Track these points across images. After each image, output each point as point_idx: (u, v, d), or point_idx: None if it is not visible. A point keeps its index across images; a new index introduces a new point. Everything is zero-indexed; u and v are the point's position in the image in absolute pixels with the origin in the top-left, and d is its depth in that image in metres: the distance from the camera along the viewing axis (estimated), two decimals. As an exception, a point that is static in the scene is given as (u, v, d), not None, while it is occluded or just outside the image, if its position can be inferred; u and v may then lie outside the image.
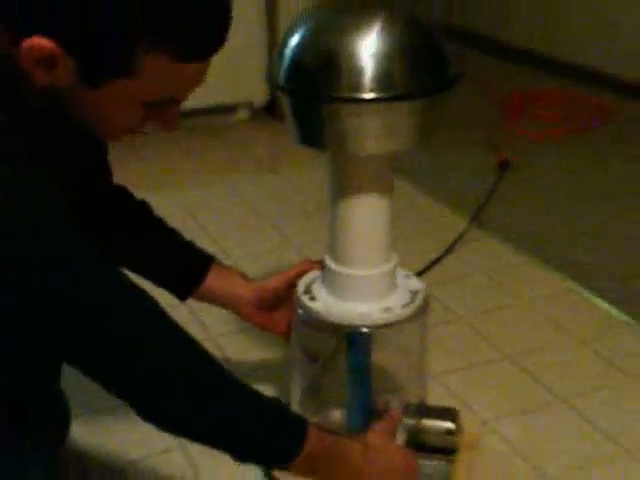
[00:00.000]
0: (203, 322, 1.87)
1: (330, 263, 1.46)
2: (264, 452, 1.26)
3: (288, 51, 1.31)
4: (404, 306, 1.45)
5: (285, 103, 1.34)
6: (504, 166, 2.74)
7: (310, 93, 1.28)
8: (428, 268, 2.17)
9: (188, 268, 1.58)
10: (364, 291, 1.45)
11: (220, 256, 1.60)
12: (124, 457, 1.59)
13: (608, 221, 2.46)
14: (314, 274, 1.54)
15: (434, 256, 2.23)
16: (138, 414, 1.18)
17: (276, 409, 1.26)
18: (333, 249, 1.45)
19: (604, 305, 2.02)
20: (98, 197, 1.48)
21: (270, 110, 3.28)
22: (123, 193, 1.58)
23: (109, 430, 1.64)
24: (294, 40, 1.31)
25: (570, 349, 1.87)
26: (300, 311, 1.49)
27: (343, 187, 1.39)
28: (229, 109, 3.29)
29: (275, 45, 2.61)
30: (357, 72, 1.23)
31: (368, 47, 1.24)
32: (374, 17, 1.27)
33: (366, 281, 1.44)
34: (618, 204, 2.57)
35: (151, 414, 1.20)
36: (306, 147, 1.38)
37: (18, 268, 1.05)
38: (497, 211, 2.49)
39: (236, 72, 3.13)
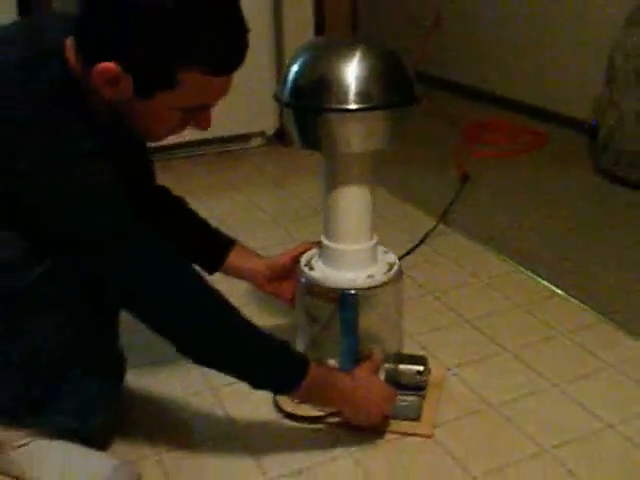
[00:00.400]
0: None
1: (325, 241, 1.51)
2: (275, 381, 1.31)
3: (291, 75, 1.36)
4: (383, 274, 1.50)
5: (289, 116, 1.39)
6: (465, 178, 2.77)
7: (309, 106, 1.33)
8: (406, 254, 2.19)
9: (215, 248, 1.63)
10: (352, 262, 1.49)
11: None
12: (164, 396, 1.63)
13: (546, 218, 2.50)
14: (313, 252, 1.58)
15: (410, 246, 2.27)
16: (176, 350, 1.25)
17: (285, 348, 1.31)
18: (327, 230, 1.50)
19: (543, 282, 2.06)
20: (146, 192, 1.54)
21: (279, 138, 3.29)
22: (165, 190, 1.64)
23: (154, 377, 1.68)
24: (295, 67, 1.36)
25: (516, 314, 1.91)
26: (303, 279, 1.53)
27: (334, 179, 1.44)
28: (246, 137, 3.29)
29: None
30: (344, 89, 1.29)
31: (352, 71, 1.30)
32: (357, 48, 1.32)
33: (353, 254, 1.49)
34: (554, 205, 2.61)
35: (186, 353, 1.26)
36: (305, 149, 1.42)
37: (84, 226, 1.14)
38: (460, 212, 2.53)
39: (251, 108, 3.15)
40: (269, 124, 3.28)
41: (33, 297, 1.20)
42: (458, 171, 2.85)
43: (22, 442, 1.35)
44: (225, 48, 1.12)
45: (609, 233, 2.39)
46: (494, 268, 2.17)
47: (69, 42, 1.16)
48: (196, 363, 1.29)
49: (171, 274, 1.21)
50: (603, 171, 2.82)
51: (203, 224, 1.64)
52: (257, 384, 1.31)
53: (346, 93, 1.30)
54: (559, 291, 2.02)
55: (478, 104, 3.89)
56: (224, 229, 1.69)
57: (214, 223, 1.69)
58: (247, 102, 3.10)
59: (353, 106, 1.29)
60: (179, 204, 1.63)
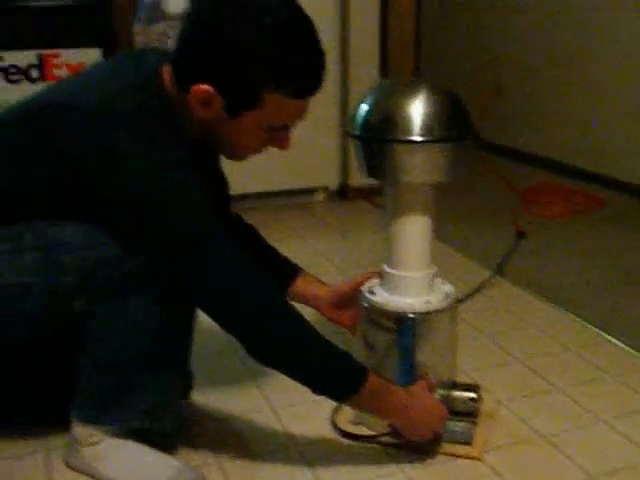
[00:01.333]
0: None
1: (386, 268, 1.60)
2: (335, 387, 1.39)
3: (361, 111, 1.48)
4: (440, 301, 1.58)
5: (358, 148, 1.51)
6: (521, 235, 2.85)
7: (377, 138, 1.45)
8: (462, 300, 2.25)
9: (283, 273, 1.73)
10: (411, 288, 1.57)
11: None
12: (227, 412, 1.72)
13: (598, 273, 2.57)
14: (374, 281, 1.66)
15: (466, 294, 2.35)
16: (247, 352, 1.34)
17: (347, 357, 1.40)
18: (389, 257, 1.59)
19: (594, 329, 2.12)
20: (221, 214, 1.66)
21: (341, 193, 3.42)
22: (238, 216, 1.76)
23: (218, 396, 1.78)
24: (365, 103, 1.48)
25: (566, 356, 1.97)
26: (365, 304, 1.61)
27: (397, 209, 1.53)
28: (310, 191, 3.42)
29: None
30: (409, 123, 1.41)
31: (417, 107, 1.42)
32: (421, 87, 1.45)
33: (413, 281, 1.57)
34: (607, 262, 2.67)
35: (256, 355, 1.35)
36: (371, 179, 1.53)
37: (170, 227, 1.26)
38: (514, 265, 2.60)
39: (316, 164, 3.33)
40: (333, 180, 3.43)
41: (122, 291, 1.32)
42: (514, 229, 2.91)
43: (95, 440, 1.45)
44: (305, 73, 1.27)
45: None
46: (546, 315, 2.24)
47: (165, 69, 1.31)
48: (264, 365, 1.38)
49: (250, 280, 1.32)
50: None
51: (272, 250, 1.75)
52: (319, 389, 1.39)
53: (411, 126, 1.41)
54: (609, 337, 2.07)
55: (535, 169, 3.99)
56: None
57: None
58: (312, 158, 3.27)
59: (417, 138, 1.41)
60: (250, 230, 1.74)
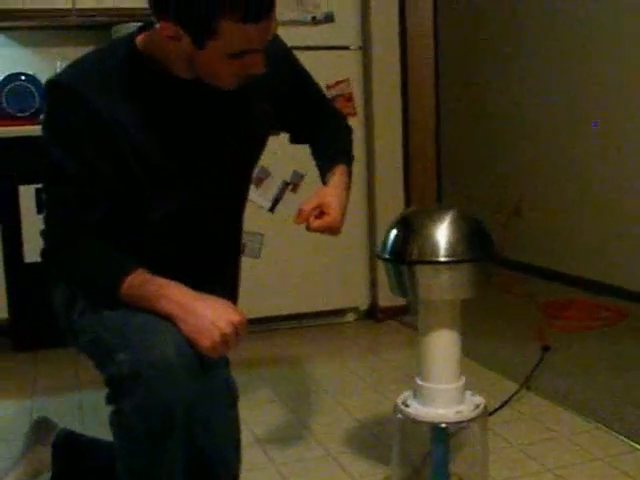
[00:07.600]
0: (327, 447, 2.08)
1: (418, 381, 1.69)
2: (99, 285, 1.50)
3: (392, 237, 1.62)
4: (471, 411, 1.66)
5: (390, 270, 1.64)
6: (546, 349, 2.92)
7: (407, 261, 1.58)
8: (492, 413, 2.34)
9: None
10: (443, 400, 1.66)
11: (332, 403, 1.90)
12: None
13: (624, 384, 2.62)
14: (408, 392, 1.75)
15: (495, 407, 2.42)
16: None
17: (108, 254, 1.52)
18: (420, 370, 1.68)
19: (622, 438, 2.18)
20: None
21: (371, 313, 3.53)
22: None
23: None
24: (395, 229, 1.63)
25: (596, 465, 2.03)
26: (399, 416, 1.70)
27: (427, 325, 1.65)
28: (340, 312, 3.54)
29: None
30: (435, 246, 1.54)
31: (442, 233, 1.56)
32: (446, 213, 1.59)
33: (444, 392, 1.66)
34: (633, 373, 2.72)
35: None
36: (401, 297, 1.65)
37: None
38: (541, 378, 2.67)
39: (346, 286, 3.46)
40: (362, 301, 3.55)
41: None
42: (539, 343, 2.99)
43: None
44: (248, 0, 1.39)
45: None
46: (574, 426, 2.30)
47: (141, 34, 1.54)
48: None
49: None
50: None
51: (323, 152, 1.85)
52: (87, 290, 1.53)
53: (437, 248, 1.54)
54: (637, 446, 2.12)
55: (556, 284, 4.11)
56: (324, 393, 1.93)
57: (314, 386, 1.89)
58: (342, 281, 3.42)
59: (443, 259, 1.53)
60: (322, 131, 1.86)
